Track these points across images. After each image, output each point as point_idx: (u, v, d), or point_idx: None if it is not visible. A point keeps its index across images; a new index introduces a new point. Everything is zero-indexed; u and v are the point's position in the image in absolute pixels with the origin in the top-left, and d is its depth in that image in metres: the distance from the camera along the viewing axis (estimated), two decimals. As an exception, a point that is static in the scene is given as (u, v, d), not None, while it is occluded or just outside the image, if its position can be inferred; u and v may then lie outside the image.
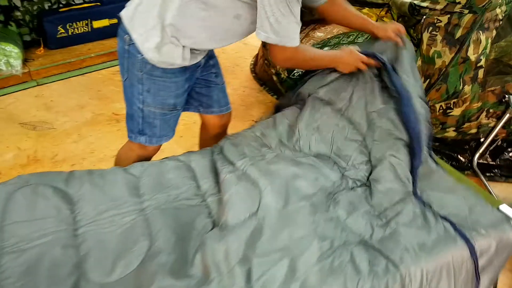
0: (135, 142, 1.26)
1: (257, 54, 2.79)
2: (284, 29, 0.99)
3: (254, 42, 2.94)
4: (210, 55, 1.25)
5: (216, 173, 1.15)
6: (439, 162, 1.21)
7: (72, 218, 0.99)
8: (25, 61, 2.46)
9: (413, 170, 1.11)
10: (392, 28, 1.26)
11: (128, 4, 1.08)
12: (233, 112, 2.44)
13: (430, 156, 1.18)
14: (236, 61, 2.91)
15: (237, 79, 2.70)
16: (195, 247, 0.92)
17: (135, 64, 1.09)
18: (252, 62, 2.88)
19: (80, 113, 2.22)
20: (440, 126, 1.79)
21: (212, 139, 1.46)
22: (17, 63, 2.34)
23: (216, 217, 1.02)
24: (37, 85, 2.46)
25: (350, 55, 1.21)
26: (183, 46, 1.06)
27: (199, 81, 1.28)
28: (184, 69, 1.14)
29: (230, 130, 2.20)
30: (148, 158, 1.36)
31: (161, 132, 1.24)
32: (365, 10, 2.86)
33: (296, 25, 1.01)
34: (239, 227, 0.94)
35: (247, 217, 0.97)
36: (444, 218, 0.99)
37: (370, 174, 1.14)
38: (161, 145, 1.33)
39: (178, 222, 1.00)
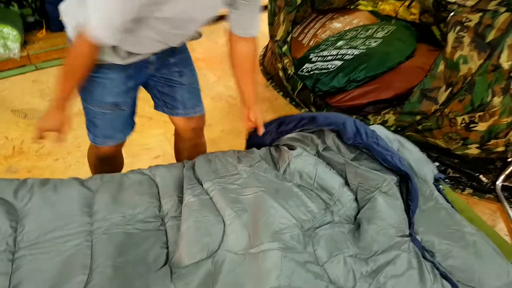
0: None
1: (267, 45, 2.57)
2: None
3: (266, 31, 2.71)
4: (171, 52, 1.07)
5: (182, 192, 1.01)
6: (449, 196, 1.01)
7: (13, 238, 0.89)
8: (24, 44, 2.38)
9: (408, 211, 0.92)
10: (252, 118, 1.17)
11: None
12: (234, 109, 2.30)
13: (439, 191, 0.99)
14: (245, 51, 2.70)
15: (243, 72, 2.51)
16: (138, 291, 0.78)
17: None
18: (262, 53, 2.66)
19: (73, 102, 2.12)
20: (461, 141, 1.56)
21: (185, 144, 1.33)
22: (15, 46, 2.26)
23: (172, 249, 0.88)
24: (36, 70, 2.38)
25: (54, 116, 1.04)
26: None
27: (159, 79, 1.13)
28: (123, 65, 0.98)
29: (229, 129, 2.07)
30: (111, 157, 1.24)
31: (103, 133, 1.12)
32: (392, 0, 2.57)
33: None
34: (192, 270, 0.79)
35: (204, 258, 0.82)
36: (445, 277, 0.80)
37: (357, 213, 0.96)
38: (120, 143, 1.20)
39: (126, 252, 0.86)
